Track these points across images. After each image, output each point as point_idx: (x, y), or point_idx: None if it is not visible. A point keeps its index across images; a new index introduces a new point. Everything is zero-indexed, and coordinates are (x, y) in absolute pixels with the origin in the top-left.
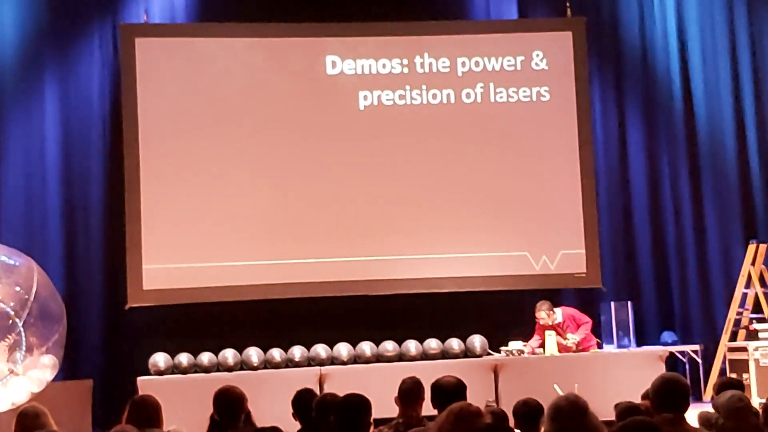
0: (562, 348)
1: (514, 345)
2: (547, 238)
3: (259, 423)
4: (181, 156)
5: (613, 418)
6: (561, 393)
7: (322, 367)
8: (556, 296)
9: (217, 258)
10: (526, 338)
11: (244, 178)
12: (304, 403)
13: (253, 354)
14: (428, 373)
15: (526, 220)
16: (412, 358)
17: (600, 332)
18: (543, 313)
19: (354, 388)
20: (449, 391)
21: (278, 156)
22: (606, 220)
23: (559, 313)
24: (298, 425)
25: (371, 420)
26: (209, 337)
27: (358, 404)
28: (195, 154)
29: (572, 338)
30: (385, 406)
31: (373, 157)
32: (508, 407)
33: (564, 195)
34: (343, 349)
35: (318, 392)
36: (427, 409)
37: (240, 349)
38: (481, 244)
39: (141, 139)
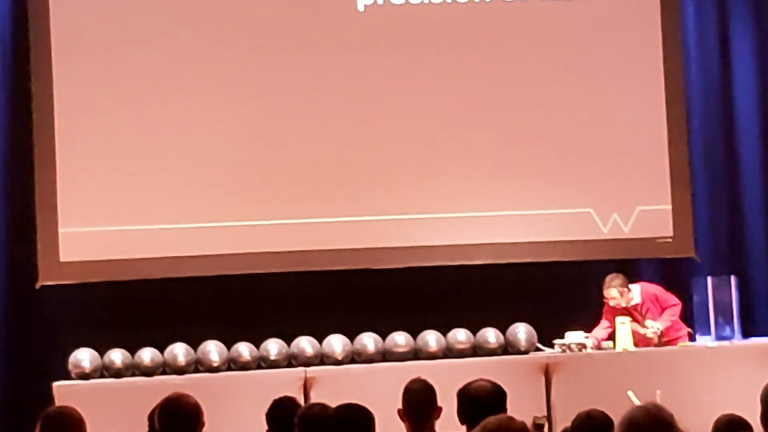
0: (639, 340)
1: (573, 337)
2: (620, 189)
3: None
4: (109, 79)
5: None
6: (637, 402)
7: (308, 368)
8: (631, 269)
9: (160, 219)
10: (589, 327)
11: (198, 108)
12: (282, 417)
13: (213, 350)
14: (454, 376)
15: (590, 165)
16: (432, 356)
17: (692, 318)
18: (614, 291)
19: (351, 396)
20: (483, 401)
21: (244, 77)
22: (700, 166)
23: (636, 292)
24: None
25: None
26: (152, 328)
27: (357, 419)
28: (129, 76)
29: (653, 326)
30: (393, 421)
31: (376, 77)
32: (564, 422)
33: (643, 130)
34: (336, 343)
35: (302, 402)
36: (450, 423)
37: (194, 344)
38: (527, 199)
39: (54, 57)
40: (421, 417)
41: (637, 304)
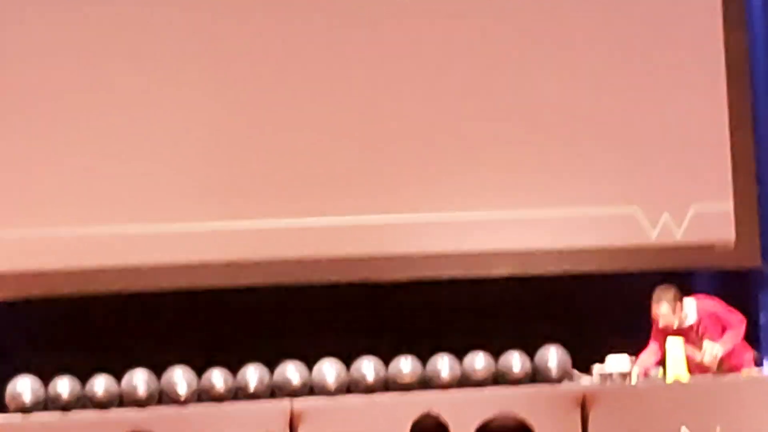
0: (693, 366)
1: (615, 363)
2: (670, 184)
3: None
4: (41, 46)
5: None
6: None
7: (295, 400)
8: (685, 282)
9: (111, 219)
10: (633, 351)
11: (151, 83)
12: None
13: (180, 378)
14: (471, 410)
15: (633, 155)
16: (445, 385)
17: (757, 341)
18: (664, 307)
19: None
20: None
21: (208, 46)
22: None
23: (691, 309)
24: None
25: None
26: (106, 351)
27: None
28: (66, 42)
29: (712, 349)
30: None
31: (371, 47)
32: None
33: (698, 113)
34: (328, 370)
35: None
36: None
37: (158, 372)
38: (556, 197)
39: None
40: None
41: (692, 324)
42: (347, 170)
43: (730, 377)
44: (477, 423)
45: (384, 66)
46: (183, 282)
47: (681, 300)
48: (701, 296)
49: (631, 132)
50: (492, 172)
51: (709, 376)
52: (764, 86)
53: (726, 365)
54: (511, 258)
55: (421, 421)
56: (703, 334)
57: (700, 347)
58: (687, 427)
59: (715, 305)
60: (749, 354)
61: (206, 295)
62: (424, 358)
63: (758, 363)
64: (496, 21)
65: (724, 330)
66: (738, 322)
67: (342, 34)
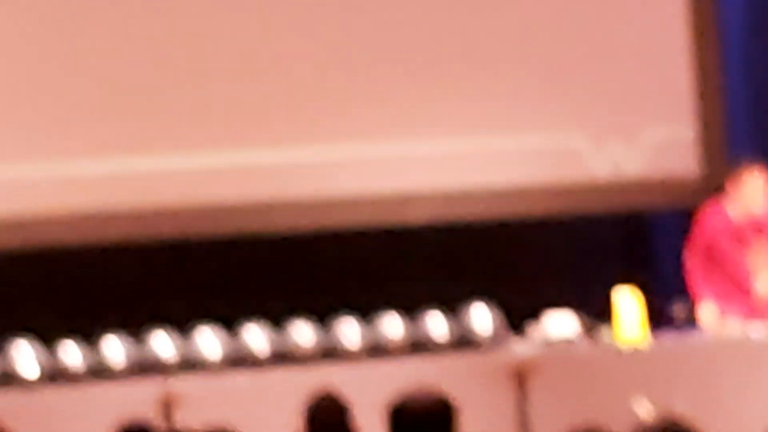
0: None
1: (557, 324)
2: (619, 104)
3: None
4: None
5: None
6: (647, 414)
7: (169, 379)
8: (638, 225)
9: None
10: (580, 308)
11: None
12: None
13: (26, 355)
14: (382, 385)
15: (573, 71)
16: (350, 355)
17: None
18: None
19: (234, 419)
20: (424, 422)
21: None
22: (738, 72)
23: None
24: None
25: None
26: None
27: None
28: None
29: None
30: None
31: None
32: None
33: (649, 16)
34: (207, 340)
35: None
36: None
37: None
38: (481, 124)
39: None
40: None
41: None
42: (232, 99)
43: (697, 339)
44: (390, 402)
45: None
46: (25, 237)
47: None
48: None
49: (569, 43)
50: (404, 97)
51: (671, 338)
52: None
53: None
54: (429, 200)
55: (318, 405)
56: None
57: None
58: (641, 398)
59: None
60: None
61: (56, 253)
62: (324, 322)
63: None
64: None
65: None
66: None
67: None
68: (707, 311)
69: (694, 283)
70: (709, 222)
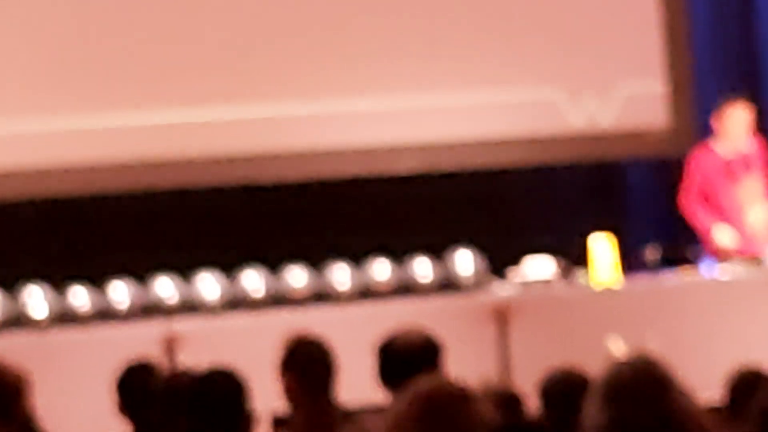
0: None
1: (535, 267)
2: (592, 59)
3: (52, 425)
4: None
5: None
6: (620, 352)
7: (171, 320)
8: (613, 173)
9: None
10: (557, 252)
11: None
12: (136, 390)
13: (35, 298)
14: (372, 325)
15: (549, 28)
16: (339, 297)
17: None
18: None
19: (235, 358)
20: (411, 358)
21: None
22: (706, 28)
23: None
24: (126, 427)
25: (249, 412)
26: None
27: (222, 389)
28: None
29: None
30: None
31: None
32: (524, 385)
33: None
34: (207, 284)
35: (167, 369)
36: (369, 385)
37: (8, 291)
38: (463, 78)
39: None
40: (311, 384)
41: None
42: (225, 54)
43: (667, 281)
44: (378, 341)
45: None
46: (34, 186)
47: None
48: None
49: (547, 1)
50: (389, 53)
51: (642, 280)
52: None
53: None
54: (415, 151)
55: (296, 347)
56: None
57: None
58: (615, 336)
59: None
60: None
61: (62, 202)
62: (315, 267)
63: (695, 260)
64: None
65: None
66: None
67: None
68: (722, 233)
69: (695, 220)
70: (699, 162)
